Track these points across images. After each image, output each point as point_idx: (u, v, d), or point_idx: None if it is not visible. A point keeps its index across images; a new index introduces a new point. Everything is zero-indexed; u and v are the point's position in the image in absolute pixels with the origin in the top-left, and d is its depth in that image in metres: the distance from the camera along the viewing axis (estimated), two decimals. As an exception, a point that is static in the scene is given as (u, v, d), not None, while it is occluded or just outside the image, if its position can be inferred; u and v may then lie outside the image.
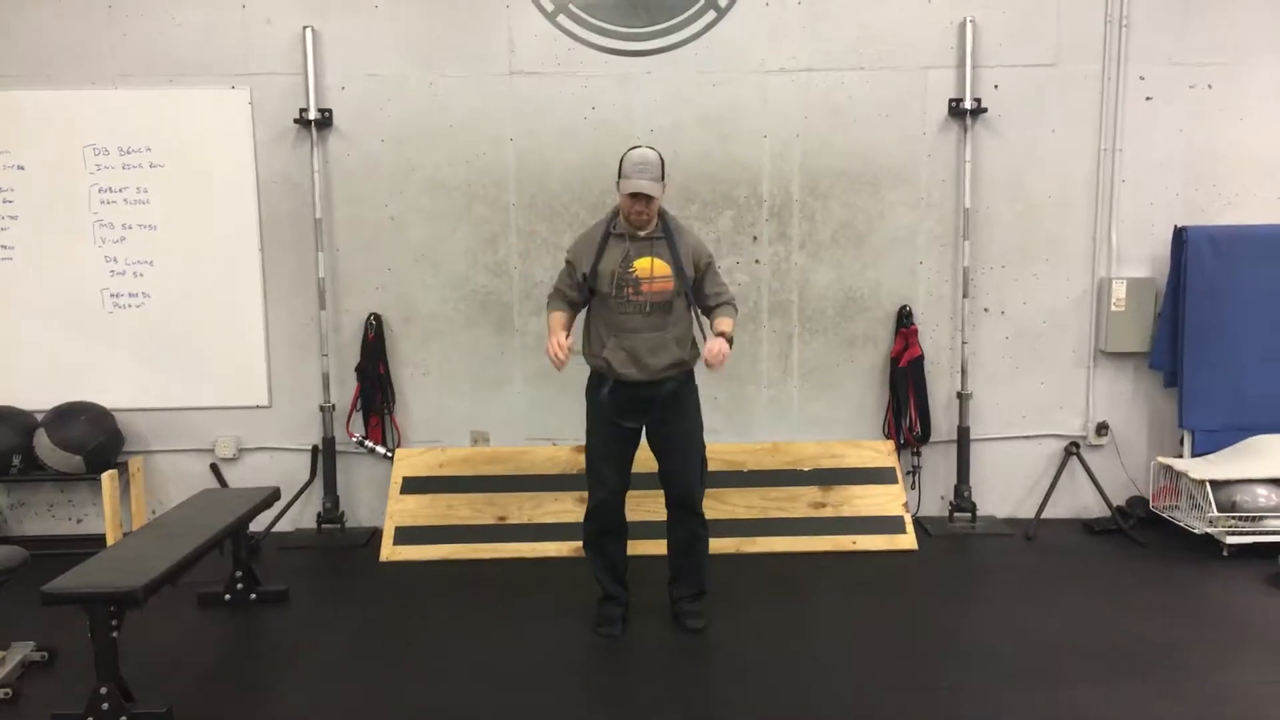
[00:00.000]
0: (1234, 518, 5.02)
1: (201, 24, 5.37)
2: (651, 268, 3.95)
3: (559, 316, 4.12)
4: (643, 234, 3.97)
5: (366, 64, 5.43)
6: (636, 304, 3.96)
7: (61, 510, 5.67)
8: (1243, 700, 3.53)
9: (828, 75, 5.47)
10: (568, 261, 4.14)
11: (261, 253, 5.52)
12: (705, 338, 4.05)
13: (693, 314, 4.10)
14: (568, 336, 4.01)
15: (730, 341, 3.98)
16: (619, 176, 3.92)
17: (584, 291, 4.06)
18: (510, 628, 4.26)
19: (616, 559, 4.23)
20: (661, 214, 4.02)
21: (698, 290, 4.09)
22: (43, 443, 5.24)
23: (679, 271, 3.96)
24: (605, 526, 4.16)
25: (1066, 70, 5.47)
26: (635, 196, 3.86)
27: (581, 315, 4.20)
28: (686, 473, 4.09)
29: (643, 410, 4.04)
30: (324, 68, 5.42)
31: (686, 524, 4.16)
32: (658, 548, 4.64)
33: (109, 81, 5.38)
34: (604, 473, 4.09)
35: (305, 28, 5.36)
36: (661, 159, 3.95)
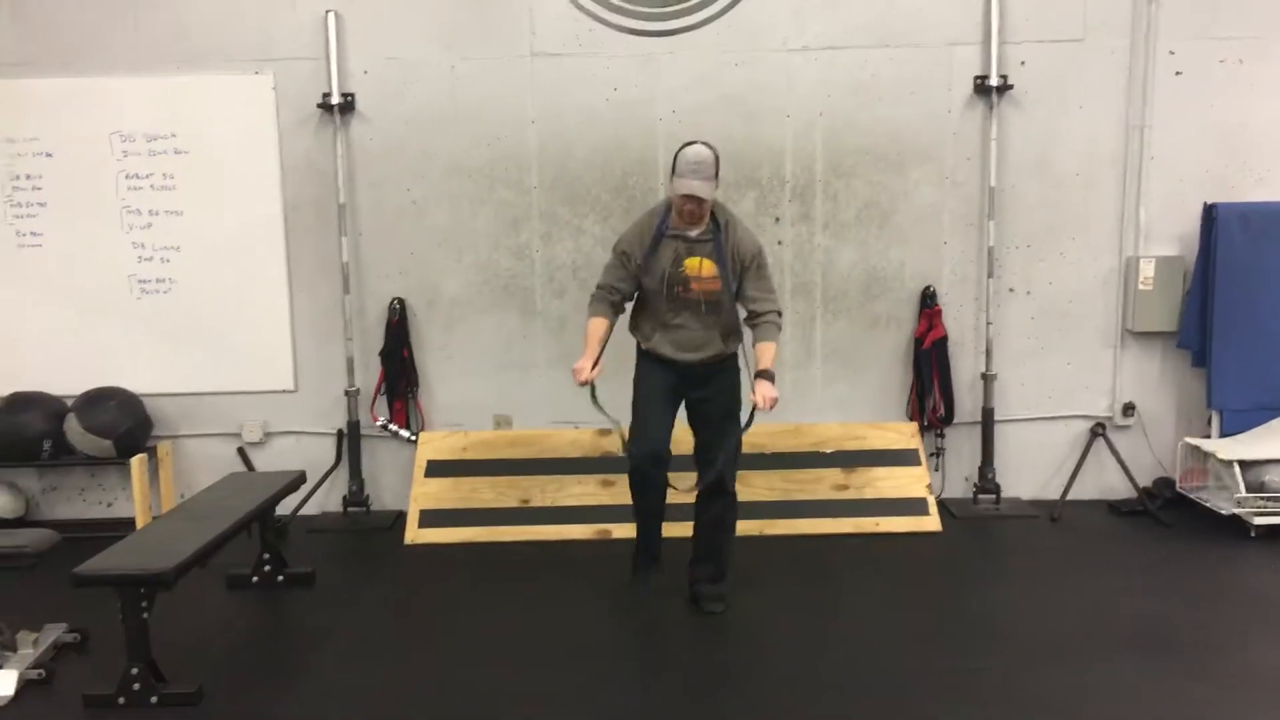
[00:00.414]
0: (1262, 498, 4.96)
1: (224, 9, 5.39)
2: (700, 267, 3.96)
3: (598, 329, 4.07)
4: (694, 233, 3.96)
5: (388, 48, 5.43)
6: (685, 300, 3.99)
7: (92, 494, 5.75)
8: (1272, 680, 3.50)
9: (851, 53, 5.41)
10: (621, 253, 4.09)
11: (286, 238, 5.56)
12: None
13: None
14: (596, 365, 4.00)
15: (771, 378, 3.99)
16: (673, 174, 3.88)
17: (635, 284, 4.08)
18: (534, 609, 4.29)
19: (657, 511, 4.20)
20: (714, 210, 3.99)
21: (740, 287, 4.05)
22: (73, 428, 5.31)
23: (725, 274, 3.97)
24: (645, 476, 4.07)
25: (1094, 45, 5.39)
26: (688, 197, 3.83)
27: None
28: (721, 447, 4.05)
29: (687, 381, 4.08)
30: (346, 52, 5.43)
31: (716, 502, 4.13)
32: (684, 529, 4.66)
33: (132, 68, 5.41)
34: (650, 421, 4.04)
35: (328, 12, 5.37)
36: (716, 156, 3.89)
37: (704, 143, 3.93)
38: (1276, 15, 5.35)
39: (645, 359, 4.15)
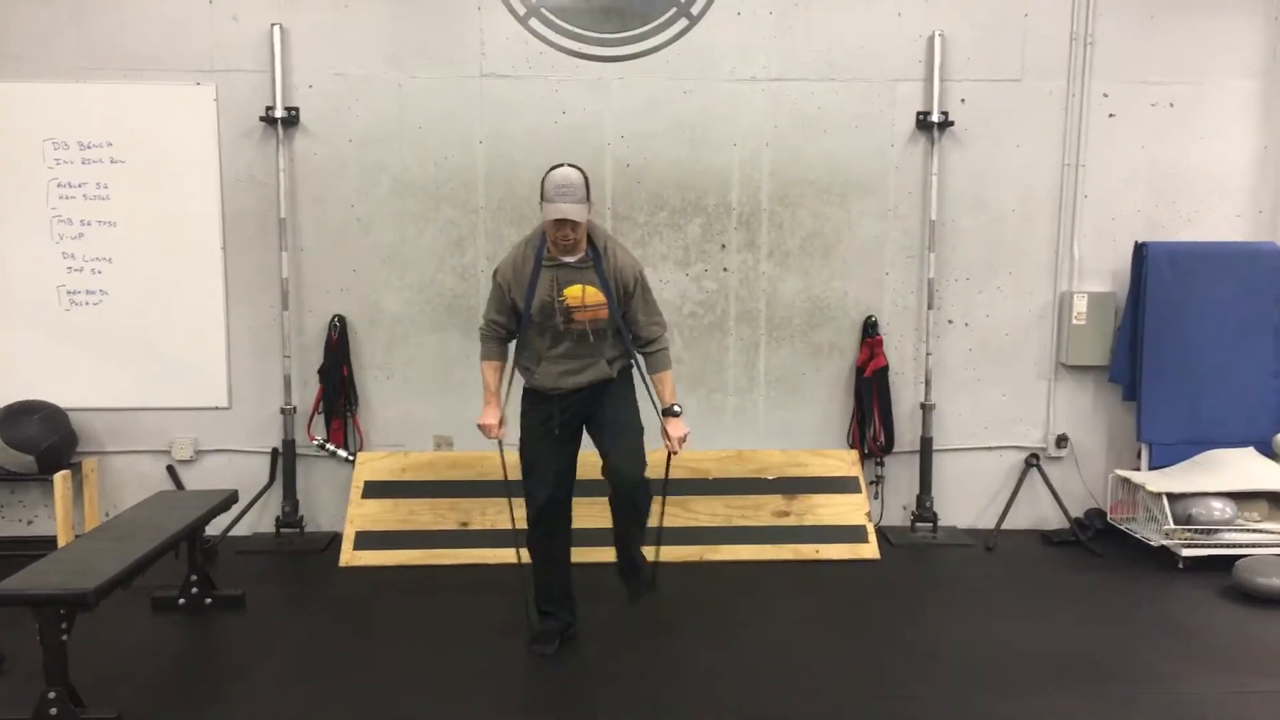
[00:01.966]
0: (1190, 530, 5.09)
1: (167, 19, 5.30)
2: (583, 295, 3.80)
3: (493, 374, 3.98)
4: (571, 260, 3.79)
5: (335, 63, 5.38)
6: (568, 330, 3.83)
7: (12, 511, 5.55)
8: (1198, 709, 3.57)
9: (798, 85, 5.49)
10: (499, 285, 3.92)
11: (224, 251, 5.45)
12: (642, 372, 4.02)
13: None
14: (499, 414, 3.94)
15: (680, 412, 3.95)
16: (541, 200, 3.71)
17: (517, 316, 3.93)
18: (470, 636, 4.22)
19: (561, 567, 4.05)
20: (590, 234, 3.82)
21: (627, 312, 3.92)
22: (-6, 441, 5.13)
23: (609, 298, 3.83)
24: (550, 530, 3.95)
25: (1031, 86, 5.54)
26: (560, 222, 3.66)
27: None
28: (623, 444, 3.90)
29: (577, 412, 3.96)
30: (291, 66, 5.37)
31: (630, 495, 3.92)
32: (605, 555, 4.63)
33: (71, 75, 5.29)
34: (545, 473, 3.90)
35: (273, 25, 5.30)
36: (585, 178, 3.72)
37: (570, 164, 3.77)
38: (1206, 61, 5.56)
39: (532, 399, 3.98)
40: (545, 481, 3.91)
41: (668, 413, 3.97)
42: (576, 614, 4.16)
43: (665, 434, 3.97)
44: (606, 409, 3.97)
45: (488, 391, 4.00)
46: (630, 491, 3.91)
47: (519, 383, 4.06)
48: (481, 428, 3.96)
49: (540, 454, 3.94)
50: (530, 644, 4.04)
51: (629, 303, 3.91)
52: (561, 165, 3.75)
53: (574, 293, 3.80)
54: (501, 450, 4.07)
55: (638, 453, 3.93)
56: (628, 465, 3.89)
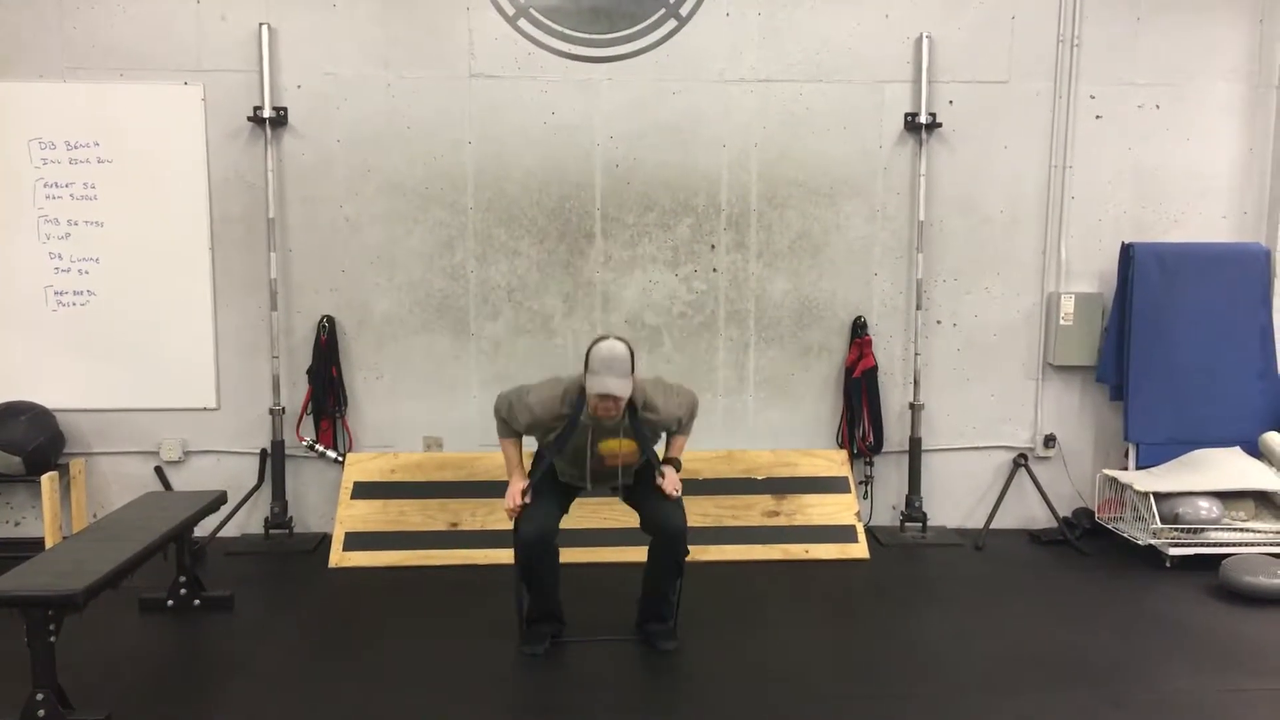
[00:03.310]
0: (1177, 529, 5.12)
1: (155, 18, 5.28)
2: (619, 446, 3.89)
3: (514, 449, 4.05)
4: (609, 423, 3.84)
5: (323, 63, 5.37)
6: (600, 469, 3.97)
7: (-2, 513, 5.53)
8: (1185, 707, 3.59)
9: (787, 86, 5.51)
10: (522, 417, 3.93)
11: (212, 252, 5.43)
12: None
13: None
14: (525, 486, 3.97)
15: (679, 466, 4.08)
16: (585, 370, 3.74)
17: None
18: (460, 636, 4.21)
19: (551, 585, 4.04)
20: (630, 399, 3.83)
21: (673, 428, 4.12)
22: (-20, 443, 5.10)
23: (644, 447, 3.94)
24: (539, 558, 3.93)
25: (1019, 88, 5.57)
26: (605, 396, 3.71)
27: None
28: (667, 501, 3.99)
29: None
30: (280, 65, 5.35)
31: (674, 548, 3.98)
32: (611, 555, 4.65)
33: (58, 74, 5.27)
34: (544, 504, 3.94)
35: (261, 24, 5.29)
36: (631, 353, 3.76)
37: (617, 337, 3.81)
38: (1192, 63, 5.60)
39: (551, 465, 4.04)
40: (535, 519, 3.93)
41: (669, 462, 4.08)
42: (564, 620, 4.16)
43: (661, 474, 4.03)
44: (639, 485, 4.07)
45: (509, 465, 4.06)
46: (673, 539, 3.97)
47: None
48: (510, 498, 3.96)
49: (542, 494, 4.00)
50: (521, 644, 4.04)
51: (682, 424, 4.11)
52: (607, 338, 3.80)
53: (610, 445, 3.90)
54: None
55: (679, 505, 4.03)
56: (670, 516, 3.97)
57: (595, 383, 3.70)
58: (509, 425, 4.04)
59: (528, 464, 4.14)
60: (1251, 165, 5.68)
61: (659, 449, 4.13)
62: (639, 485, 4.08)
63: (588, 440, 3.88)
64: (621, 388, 3.71)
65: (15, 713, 3.30)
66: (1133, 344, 5.47)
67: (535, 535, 3.90)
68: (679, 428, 4.13)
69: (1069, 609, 4.56)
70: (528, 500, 3.95)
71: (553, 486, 4.06)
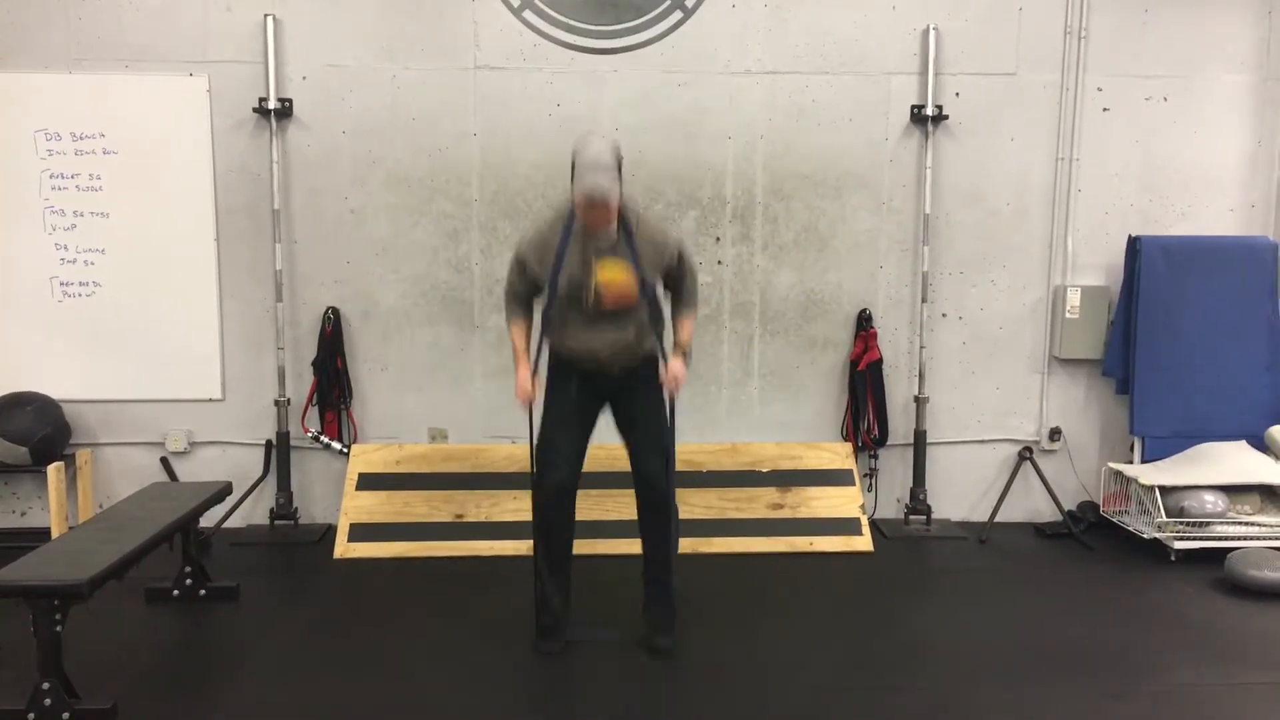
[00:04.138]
0: (1182, 523, 5.11)
1: (160, 9, 5.28)
2: (614, 272, 3.72)
3: (522, 333, 3.94)
4: (603, 234, 3.69)
5: (328, 54, 5.36)
6: (597, 308, 3.77)
7: (5, 503, 5.54)
8: (1189, 700, 3.59)
9: (792, 78, 5.49)
10: (519, 260, 3.84)
11: (217, 243, 5.43)
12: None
13: (659, 303, 3.94)
14: (530, 373, 3.89)
15: (688, 355, 3.93)
16: (572, 176, 3.61)
17: (537, 288, 3.87)
18: (465, 627, 4.22)
19: (564, 560, 3.99)
20: (622, 210, 3.71)
21: (669, 281, 3.92)
22: (-14, 433, 5.11)
23: (641, 277, 3.75)
24: (556, 517, 3.88)
25: (1026, 79, 5.55)
26: (593, 198, 3.54)
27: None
28: (654, 449, 3.87)
29: (605, 391, 3.92)
30: (285, 57, 5.35)
31: (658, 516, 3.88)
32: (614, 547, 4.64)
33: (63, 65, 5.27)
34: (558, 456, 3.84)
35: (266, 16, 5.28)
36: (618, 151, 3.64)
37: (599, 135, 3.67)
38: (1200, 55, 5.57)
39: (557, 366, 3.92)
40: (556, 465, 3.86)
41: (678, 348, 3.94)
42: (570, 612, 4.11)
43: (666, 367, 3.91)
44: (636, 406, 3.93)
45: (517, 353, 3.94)
46: (656, 485, 3.86)
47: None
48: (518, 389, 3.86)
49: (558, 435, 3.90)
50: (535, 643, 4.00)
51: (671, 273, 3.90)
52: (590, 135, 3.66)
53: (605, 269, 3.71)
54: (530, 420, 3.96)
55: (663, 452, 3.90)
56: (655, 471, 3.88)
57: (583, 185, 3.54)
58: (514, 290, 3.91)
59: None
60: (1259, 158, 5.66)
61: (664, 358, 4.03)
62: (638, 400, 3.92)
63: (583, 265, 3.70)
64: (609, 181, 3.54)
65: (22, 701, 3.32)
66: (1139, 337, 5.46)
67: (552, 482, 3.84)
68: (676, 275, 3.92)
69: (1073, 602, 4.55)
70: (536, 394, 3.85)
71: (568, 425, 3.90)
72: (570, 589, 4.07)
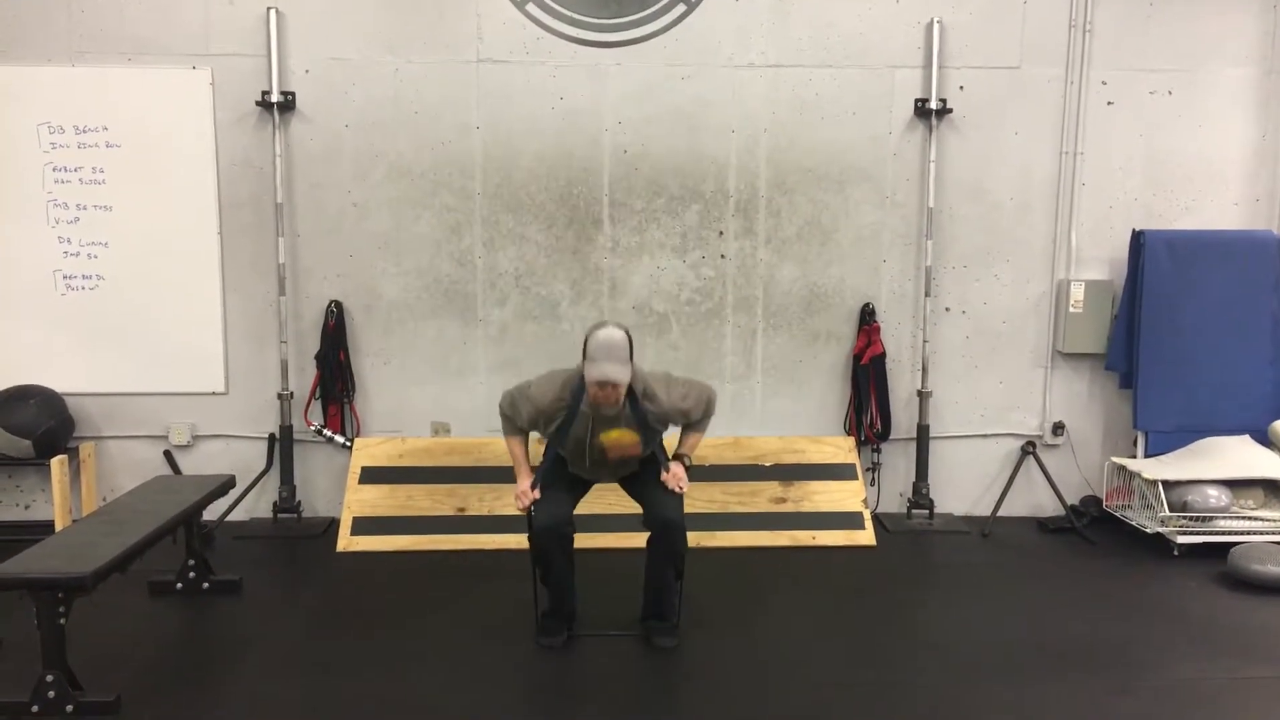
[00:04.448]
0: (1185, 518, 5.10)
1: (162, 2, 5.27)
2: (620, 437, 3.87)
3: (519, 447, 4.07)
4: (609, 411, 3.82)
5: (331, 48, 5.36)
6: (602, 460, 3.96)
7: (9, 496, 5.55)
8: (1191, 695, 3.59)
9: (796, 71, 5.48)
10: (519, 410, 3.95)
11: (220, 236, 5.44)
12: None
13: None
14: (532, 481, 3.96)
15: (690, 466, 4.04)
16: (584, 358, 3.74)
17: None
18: (467, 620, 4.23)
19: (566, 574, 4.01)
20: (630, 387, 3.82)
21: (687, 423, 4.08)
22: (-10, 426, 5.12)
23: (647, 438, 3.91)
24: (556, 558, 3.92)
25: (1030, 73, 5.53)
26: (603, 383, 3.69)
27: None
28: (666, 494, 3.95)
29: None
30: (287, 50, 5.34)
31: (667, 540, 3.92)
32: (615, 540, 4.63)
33: (66, 58, 5.27)
34: (556, 497, 3.94)
35: (269, 9, 5.28)
36: (629, 338, 3.76)
37: (615, 324, 3.80)
38: (1204, 49, 5.55)
39: (559, 456, 4.07)
40: (548, 509, 3.92)
41: (678, 458, 4.05)
42: (576, 614, 4.14)
43: (668, 469, 3.99)
44: (643, 476, 4.07)
45: (516, 463, 4.07)
46: (668, 531, 3.93)
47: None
48: (518, 495, 3.96)
49: (556, 487, 4.01)
50: (537, 636, 4.03)
51: (689, 418, 4.05)
52: (605, 325, 3.79)
53: (610, 436, 3.86)
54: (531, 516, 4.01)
55: (677, 499, 3.99)
56: (666, 508, 3.93)
57: (594, 370, 3.69)
58: (514, 422, 4.04)
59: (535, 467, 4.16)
60: (1264, 152, 5.64)
61: (670, 445, 4.11)
62: (642, 475, 4.07)
63: (588, 430, 3.87)
64: (620, 374, 3.70)
65: (26, 693, 3.33)
66: (1142, 332, 5.45)
67: (549, 522, 3.89)
68: (690, 422, 4.07)
69: (1076, 597, 4.55)
70: (537, 495, 3.94)
71: (563, 477, 4.07)
72: (573, 598, 4.09)
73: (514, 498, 3.99)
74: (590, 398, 3.79)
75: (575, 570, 4.04)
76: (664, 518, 3.90)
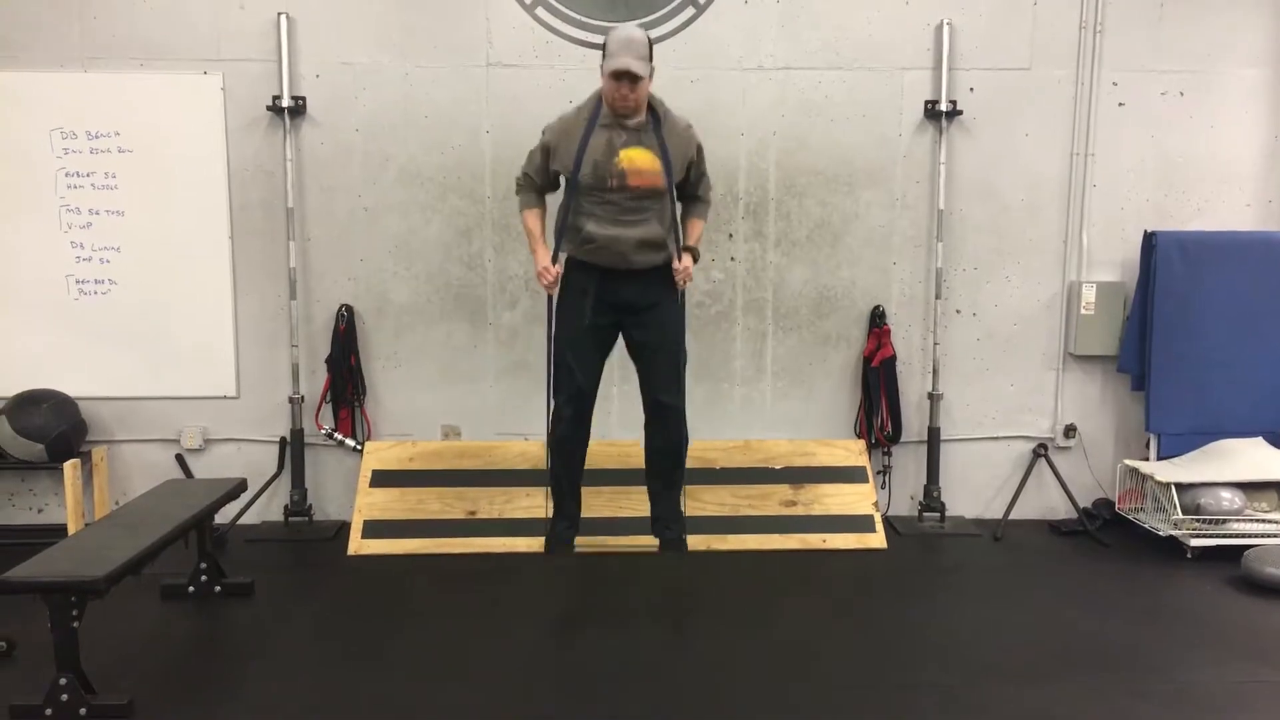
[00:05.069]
0: (1198, 520, 5.08)
1: (173, 8, 5.30)
2: (639, 159, 3.65)
3: (537, 221, 3.89)
4: (630, 123, 3.61)
5: (341, 52, 5.38)
6: (621, 197, 3.69)
7: (22, 499, 5.57)
8: (1205, 699, 3.57)
9: (805, 74, 5.48)
10: (544, 145, 3.78)
11: (231, 241, 5.46)
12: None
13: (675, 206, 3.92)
14: (553, 257, 3.83)
15: (697, 257, 3.95)
16: (603, 57, 3.54)
17: (555, 181, 3.83)
18: (478, 624, 4.23)
19: (576, 468, 3.99)
20: (651, 102, 3.65)
21: (686, 182, 3.89)
22: (3, 430, 5.14)
23: (667, 167, 3.67)
24: (572, 431, 3.87)
25: (1040, 74, 5.52)
26: (620, 78, 3.46)
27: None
28: (668, 370, 3.83)
29: (623, 302, 3.89)
30: (298, 55, 5.36)
31: (665, 425, 3.85)
32: (628, 543, 4.64)
33: (78, 64, 5.29)
34: (575, 365, 3.80)
35: (280, 14, 5.30)
36: (650, 39, 3.57)
37: (636, 24, 3.70)
38: (1216, 49, 5.53)
39: (574, 276, 3.85)
40: (574, 374, 3.83)
41: (688, 249, 3.95)
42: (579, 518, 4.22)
43: (678, 258, 3.91)
44: (651, 330, 3.89)
45: (533, 239, 3.95)
46: (662, 411, 3.82)
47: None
48: (540, 273, 3.84)
49: (574, 348, 3.90)
50: (549, 549, 4.00)
51: (689, 171, 3.86)
52: (624, 23, 3.69)
53: (630, 155, 3.65)
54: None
55: (676, 384, 3.83)
56: (664, 392, 3.83)
57: (611, 63, 3.48)
58: (530, 181, 3.88)
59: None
60: (1277, 153, 5.61)
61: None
62: (652, 327, 3.88)
63: (605, 148, 3.64)
64: (640, 67, 3.49)
65: (39, 697, 3.34)
66: (1155, 334, 5.42)
67: (576, 389, 3.86)
68: (695, 181, 3.88)
69: (1088, 600, 4.53)
70: (560, 270, 3.79)
71: (583, 339, 3.86)
72: (580, 497, 4.14)
73: (538, 273, 3.82)
74: (608, 101, 3.59)
75: (584, 464, 4.09)
76: (657, 400, 3.81)
